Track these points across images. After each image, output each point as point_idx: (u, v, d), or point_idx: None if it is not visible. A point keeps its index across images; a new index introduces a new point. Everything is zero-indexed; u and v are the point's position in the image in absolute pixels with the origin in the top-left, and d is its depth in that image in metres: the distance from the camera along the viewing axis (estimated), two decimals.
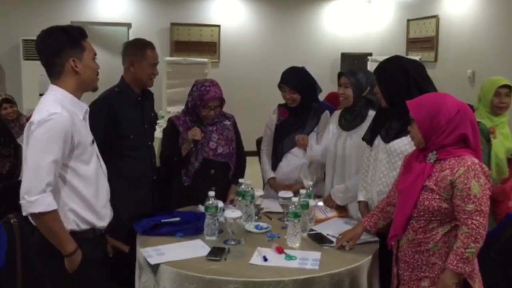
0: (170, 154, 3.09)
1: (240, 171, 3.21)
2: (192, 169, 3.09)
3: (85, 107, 2.19)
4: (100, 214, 2.20)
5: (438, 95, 2.18)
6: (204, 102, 3.02)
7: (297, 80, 3.22)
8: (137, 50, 2.93)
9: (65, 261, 2.07)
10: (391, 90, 2.55)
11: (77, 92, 2.15)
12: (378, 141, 2.67)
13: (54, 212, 2.00)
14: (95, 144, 2.22)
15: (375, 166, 2.68)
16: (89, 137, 2.17)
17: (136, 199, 2.91)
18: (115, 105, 2.86)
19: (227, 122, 3.21)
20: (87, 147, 2.12)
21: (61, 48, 2.09)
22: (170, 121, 3.19)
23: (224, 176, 3.14)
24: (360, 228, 2.48)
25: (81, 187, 2.10)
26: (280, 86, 3.26)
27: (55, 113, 1.99)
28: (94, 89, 2.25)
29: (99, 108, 2.77)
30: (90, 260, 2.13)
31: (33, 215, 1.98)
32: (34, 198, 1.96)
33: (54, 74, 2.12)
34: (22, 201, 1.98)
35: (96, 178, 2.17)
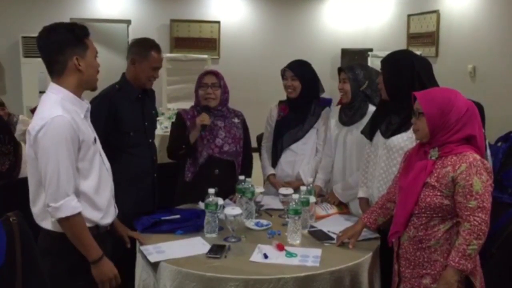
0: (177, 145, 3.09)
1: (246, 170, 3.19)
2: (196, 165, 3.09)
3: (86, 105, 2.18)
4: (104, 212, 2.20)
5: (449, 91, 2.15)
6: (199, 80, 3.10)
7: (301, 68, 3.23)
8: (141, 50, 2.92)
9: (92, 269, 2.10)
10: (394, 81, 2.54)
11: (78, 91, 2.14)
12: (378, 136, 2.66)
13: (80, 215, 2.04)
14: (97, 141, 2.22)
15: (375, 162, 2.67)
16: (92, 135, 2.17)
17: (137, 196, 2.91)
18: (116, 102, 2.86)
19: (236, 120, 3.22)
20: (90, 146, 2.12)
21: (65, 45, 2.07)
22: (178, 114, 3.23)
23: (228, 177, 3.10)
24: (360, 225, 2.47)
25: (84, 185, 2.10)
26: (283, 73, 3.25)
27: (56, 116, 1.98)
28: (93, 89, 2.23)
29: (100, 105, 2.76)
30: None
31: (61, 220, 2.01)
32: (60, 204, 1.99)
33: (56, 71, 2.10)
34: (48, 209, 2.01)
35: (99, 176, 2.17)
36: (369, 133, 2.74)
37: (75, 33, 2.09)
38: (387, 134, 2.59)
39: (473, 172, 1.99)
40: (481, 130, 2.10)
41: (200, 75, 3.15)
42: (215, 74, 3.13)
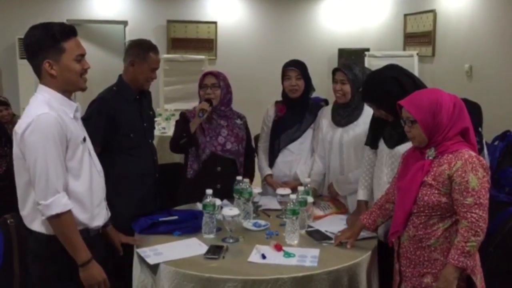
0: (178, 136, 3.12)
1: (248, 171, 3.25)
2: (198, 162, 3.10)
3: (74, 105, 2.13)
4: (93, 214, 2.16)
5: (432, 92, 2.16)
6: (200, 81, 3.13)
7: (303, 67, 3.23)
8: (140, 51, 2.91)
9: (80, 272, 2.05)
10: (389, 104, 2.40)
11: (64, 93, 2.10)
12: (382, 145, 2.63)
13: (70, 213, 2.01)
14: (87, 142, 2.18)
15: (381, 170, 2.62)
16: (80, 135, 2.13)
17: (139, 197, 2.91)
18: (114, 104, 2.86)
19: (239, 121, 3.24)
20: (78, 145, 2.09)
21: (37, 49, 2.03)
22: (182, 113, 3.28)
23: (230, 174, 3.10)
24: (359, 226, 2.46)
25: (75, 185, 2.07)
26: (285, 73, 3.20)
27: (42, 114, 1.96)
28: (82, 90, 2.16)
29: (99, 108, 2.76)
30: None
31: (51, 218, 1.97)
32: (50, 201, 1.96)
33: (37, 74, 2.08)
34: (39, 207, 1.98)
35: (89, 176, 2.14)
36: (371, 143, 2.71)
37: (49, 35, 2.02)
38: (391, 144, 2.55)
39: (469, 169, 2.00)
40: (470, 121, 2.12)
41: (200, 76, 3.18)
42: (215, 75, 3.15)
